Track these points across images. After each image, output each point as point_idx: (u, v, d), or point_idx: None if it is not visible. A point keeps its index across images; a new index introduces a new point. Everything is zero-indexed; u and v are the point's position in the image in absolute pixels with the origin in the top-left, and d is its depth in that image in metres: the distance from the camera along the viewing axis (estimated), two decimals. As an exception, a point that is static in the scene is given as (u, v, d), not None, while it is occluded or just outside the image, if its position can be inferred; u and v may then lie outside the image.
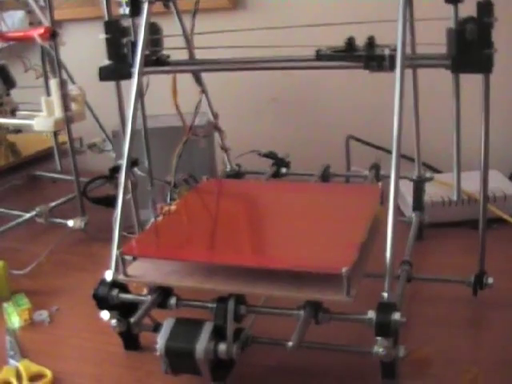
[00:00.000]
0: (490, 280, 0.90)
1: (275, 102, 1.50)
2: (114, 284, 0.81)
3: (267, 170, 1.17)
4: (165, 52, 1.00)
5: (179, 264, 0.80)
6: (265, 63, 0.94)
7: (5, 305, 1.00)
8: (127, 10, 0.94)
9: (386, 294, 0.72)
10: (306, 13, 1.37)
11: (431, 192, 1.16)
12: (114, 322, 0.81)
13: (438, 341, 0.84)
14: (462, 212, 1.15)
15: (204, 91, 1.09)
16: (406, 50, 0.79)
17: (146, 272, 0.80)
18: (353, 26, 0.87)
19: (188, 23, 0.99)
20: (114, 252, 0.81)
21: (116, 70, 0.96)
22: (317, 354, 0.80)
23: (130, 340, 0.86)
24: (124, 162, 0.89)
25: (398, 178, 0.76)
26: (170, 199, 0.94)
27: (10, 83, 1.33)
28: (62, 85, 1.15)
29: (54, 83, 1.16)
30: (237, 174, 1.20)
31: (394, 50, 0.80)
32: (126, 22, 0.96)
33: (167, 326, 0.74)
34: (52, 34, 1.13)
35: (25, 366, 0.83)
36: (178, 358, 0.73)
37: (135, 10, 0.94)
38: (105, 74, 0.97)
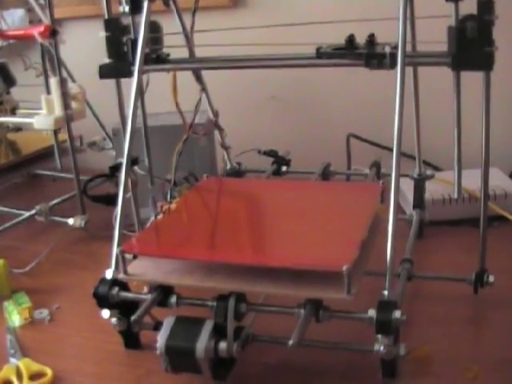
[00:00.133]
0: (491, 278, 0.90)
1: (276, 99, 1.50)
2: (115, 282, 0.81)
3: (268, 168, 1.17)
4: (165, 50, 1.00)
5: (179, 262, 0.80)
6: (265, 61, 0.94)
7: (5, 303, 1.00)
8: (127, 8, 0.94)
9: (386, 292, 0.72)
10: (307, 10, 1.37)
11: (432, 190, 1.16)
12: (114, 320, 0.82)
13: (439, 339, 0.84)
14: (462, 210, 1.15)
15: (204, 89, 1.08)
16: (407, 48, 0.79)
17: (146, 270, 0.80)
18: (353, 24, 0.87)
19: (188, 21, 0.99)
20: (115, 250, 0.81)
21: (116, 68, 0.96)
22: (317, 353, 0.80)
23: (131, 338, 0.86)
24: (124, 161, 0.88)
25: (399, 176, 0.76)
26: (171, 197, 0.94)
27: (10, 81, 1.33)
28: (62, 83, 1.15)
29: (54, 81, 1.15)
30: (237, 172, 1.20)
31: (395, 47, 0.80)
32: (126, 20, 0.96)
33: (167, 324, 0.74)
34: (52, 33, 1.13)
35: (25, 365, 0.83)
36: (179, 357, 0.73)
37: (135, 8, 0.94)
38: (105, 72, 0.97)
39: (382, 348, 0.71)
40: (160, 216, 0.90)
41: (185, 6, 1.02)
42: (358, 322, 0.72)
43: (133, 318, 0.76)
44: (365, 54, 0.84)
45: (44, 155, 1.44)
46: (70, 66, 1.35)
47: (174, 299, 0.79)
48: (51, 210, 1.26)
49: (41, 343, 0.90)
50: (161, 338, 0.73)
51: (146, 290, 0.82)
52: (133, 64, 0.91)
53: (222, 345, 0.72)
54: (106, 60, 0.97)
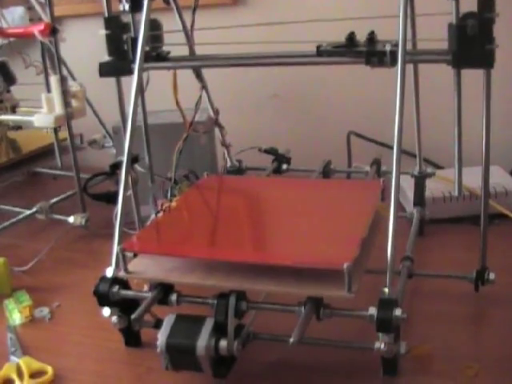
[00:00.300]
0: (492, 276, 0.90)
1: (276, 97, 1.50)
2: (115, 280, 0.81)
3: (268, 166, 1.17)
4: (165, 48, 1.00)
5: (180, 260, 0.80)
6: (265, 59, 0.94)
7: (6, 301, 1.00)
8: (127, 6, 0.94)
9: (387, 290, 0.72)
10: (307, 8, 1.37)
11: (432, 188, 1.16)
12: (114, 318, 0.82)
13: (439, 337, 0.84)
14: (463, 208, 1.15)
15: (204, 87, 1.08)
16: (407, 46, 0.79)
17: (146, 268, 0.80)
18: (354, 22, 0.87)
19: (188, 19, 0.99)
20: (115, 248, 0.81)
21: (116, 66, 0.96)
22: (318, 350, 0.80)
23: (131, 336, 0.86)
24: (125, 159, 0.88)
25: (399, 173, 0.76)
26: (171, 195, 0.94)
27: (10, 80, 1.33)
28: (63, 81, 1.15)
29: (54, 80, 1.15)
30: (237, 170, 1.20)
31: (395, 45, 0.79)
32: (127, 18, 0.96)
33: (168, 322, 0.74)
34: (52, 31, 1.13)
35: (26, 363, 0.83)
36: (179, 355, 0.73)
37: (135, 6, 0.94)
38: (105, 70, 0.97)
39: (382, 346, 0.71)
40: (160, 214, 0.90)
41: (185, 3, 1.01)
42: (358, 320, 0.72)
43: (133, 316, 0.76)
44: (365, 51, 0.84)
45: (44, 153, 1.44)
46: (71, 64, 1.35)
47: (174, 297, 0.79)
48: (52, 208, 1.26)
49: (41, 341, 0.90)
50: (161, 336, 0.73)
51: (146, 288, 0.82)
52: (133, 62, 0.91)
53: (223, 343, 0.72)
54: (107, 58, 0.97)
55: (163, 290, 0.79)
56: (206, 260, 0.79)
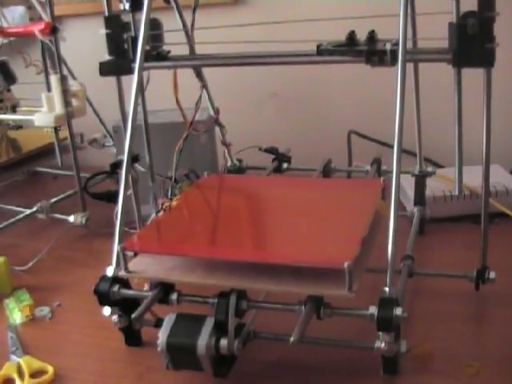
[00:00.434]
0: (492, 275, 0.90)
1: (276, 96, 1.50)
2: (116, 280, 0.80)
3: (268, 165, 1.17)
4: (165, 47, 1.00)
5: (180, 259, 0.80)
6: (265, 58, 0.94)
7: (6, 301, 1.00)
8: (127, 6, 0.94)
9: (387, 289, 0.72)
10: (307, 7, 1.37)
11: (433, 187, 1.16)
12: (115, 317, 0.82)
13: (440, 336, 0.84)
14: (463, 207, 1.15)
15: (205, 86, 1.08)
16: (408, 45, 0.79)
17: (147, 267, 0.80)
18: (354, 21, 0.87)
19: (188, 18, 0.99)
20: (116, 247, 0.81)
21: (116, 65, 0.96)
22: (318, 350, 0.80)
23: (132, 336, 0.86)
24: (125, 158, 0.88)
25: (400, 172, 0.76)
26: (171, 195, 0.94)
27: (10, 79, 1.33)
28: (63, 80, 1.15)
29: (54, 79, 1.15)
30: (238, 170, 1.20)
31: (396, 44, 0.79)
32: (127, 18, 0.96)
33: (168, 321, 0.74)
34: (52, 30, 1.13)
35: (26, 362, 0.83)
36: (180, 354, 0.73)
37: (136, 5, 0.94)
38: (105, 70, 0.97)
39: (383, 345, 0.71)
40: (161, 213, 0.90)
41: (185, 3, 1.01)
42: (359, 319, 0.72)
43: (134, 315, 0.76)
44: (365, 50, 0.84)
45: (45, 153, 1.44)
46: (71, 64, 1.35)
47: (174, 296, 0.79)
48: (52, 207, 1.26)
49: (42, 341, 0.90)
50: (162, 335, 0.73)
51: (146, 287, 0.82)
52: (133, 61, 0.91)
53: (223, 342, 0.72)
54: (107, 57, 0.97)
55: (164, 289, 0.79)
56: (207, 259, 0.79)
